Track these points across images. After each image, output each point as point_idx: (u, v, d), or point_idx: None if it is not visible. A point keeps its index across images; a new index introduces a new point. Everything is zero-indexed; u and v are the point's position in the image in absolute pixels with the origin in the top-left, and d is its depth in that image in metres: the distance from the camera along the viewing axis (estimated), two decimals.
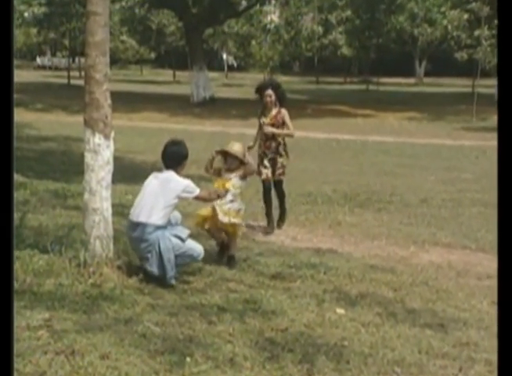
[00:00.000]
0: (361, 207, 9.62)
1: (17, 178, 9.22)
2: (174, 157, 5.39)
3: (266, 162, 7.71)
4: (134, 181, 10.23)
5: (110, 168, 5.28)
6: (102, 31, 5.16)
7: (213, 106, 29.60)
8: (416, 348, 4.33)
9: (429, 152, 17.66)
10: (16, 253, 5.30)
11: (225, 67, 58.01)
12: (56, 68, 56.09)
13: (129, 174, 10.89)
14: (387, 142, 20.27)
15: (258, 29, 49.30)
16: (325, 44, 50.46)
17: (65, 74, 43.25)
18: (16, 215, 6.79)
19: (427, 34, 45.74)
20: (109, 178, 5.28)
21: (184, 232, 5.36)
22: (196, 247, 5.36)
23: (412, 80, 49.59)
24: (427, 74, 51.55)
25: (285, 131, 7.61)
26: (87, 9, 5.21)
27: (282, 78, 41.31)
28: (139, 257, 5.32)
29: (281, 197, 7.98)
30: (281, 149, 7.75)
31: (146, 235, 5.17)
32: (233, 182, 6.03)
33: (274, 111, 7.55)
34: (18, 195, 8.18)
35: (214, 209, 5.84)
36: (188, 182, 5.37)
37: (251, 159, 6.26)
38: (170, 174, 5.35)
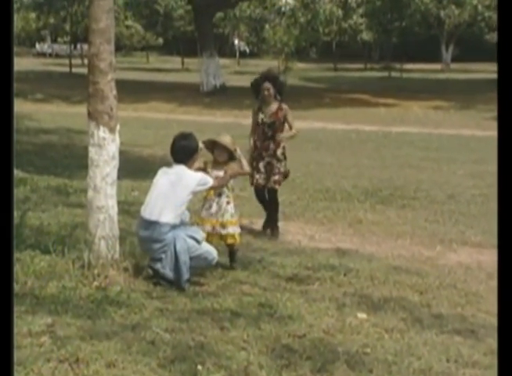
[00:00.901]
0: (383, 203, 9.59)
1: (17, 173, 9.28)
2: (184, 151, 5.41)
3: (261, 166, 7.30)
4: (141, 176, 10.28)
5: (116, 163, 5.31)
6: (107, 17, 5.18)
7: (224, 96, 29.60)
8: (444, 357, 4.31)
9: (457, 144, 17.56)
10: (16, 254, 5.35)
11: (237, 54, 58.00)
12: (57, 55, 56.36)
13: (135, 169, 10.93)
14: (411, 133, 20.18)
15: (272, 12, 49.22)
16: (344, 28, 50.29)
17: (66, 61, 43.46)
18: (15, 214, 6.86)
19: (454, 15, 45.43)
20: (114, 174, 5.30)
21: (199, 233, 5.39)
22: (212, 250, 5.40)
23: (438, 66, 49.29)
24: (454, 59, 51.18)
25: (291, 132, 7.36)
26: None
27: (298, 65, 41.35)
28: (151, 258, 5.34)
29: (273, 207, 7.47)
30: (279, 152, 7.34)
31: (162, 235, 5.20)
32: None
33: (274, 106, 7.20)
34: (18, 192, 8.24)
35: (213, 227, 5.82)
36: (201, 175, 5.43)
37: (242, 157, 6.03)
38: (181, 169, 5.37)
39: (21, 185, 8.71)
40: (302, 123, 21.84)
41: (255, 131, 7.32)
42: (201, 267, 5.49)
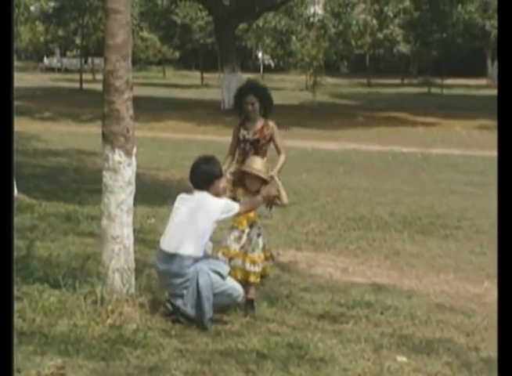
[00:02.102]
0: (423, 233, 9.55)
1: (23, 199, 9.43)
2: (204, 176, 5.44)
3: (240, 193, 6.66)
4: (157, 202, 10.37)
5: (132, 189, 5.37)
6: (123, 32, 5.27)
7: None
8: None
9: None
10: (23, 288, 5.43)
11: (261, 68, 58.40)
12: (66, 70, 57.21)
13: (151, 194, 11.03)
14: (453, 155, 20.11)
15: (300, 23, 49.54)
16: (379, 39, 50.46)
17: (76, 76, 44.10)
18: (22, 243, 6.98)
19: None
20: (130, 200, 5.36)
21: (224, 267, 5.40)
22: (237, 287, 5.40)
23: (483, 81, 49.17)
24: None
25: (280, 160, 6.70)
26: (106, 7, 5.33)
27: (327, 80, 41.41)
28: (170, 294, 5.36)
29: None
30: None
31: (183, 269, 5.22)
32: (259, 210, 5.84)
33: (259, 123, 6.71)
34: (25, 219, 8.36)
35: (243, 260, 5.75)
36: (225, 201, 5.43)
37: (281, 187, 5.82)
38: (203, 196, 5.39)
39: (28, 212, 8.83)
40: (333, 144, 22.00)
41: (234, 152, 6.81)
42: (225, 304, 5.49)
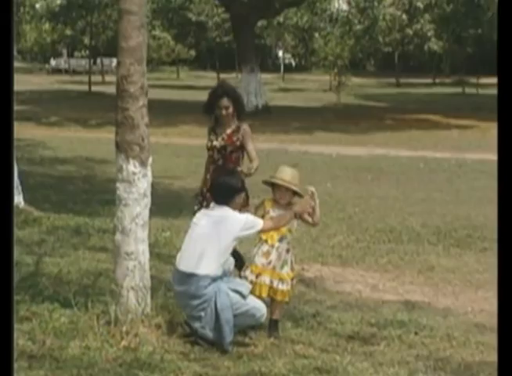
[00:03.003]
0: (459, 246, 9.50)
1: (31, 211, 9.50)
2: (224, 190, 5.48)
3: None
4: (172, 214, 10.41)
5: (147, 201, 5.40)
6: (138, 34, 5.31)
7: (267, 117, 29.83)
8: None
9: None
10: (32, 307, 5.47)
11: (282, 68, 58.51)
12: (74, 72, 57.70)
13: (166, 204, 11.06)
14: (490, 161, 19.93)
15: (323, 19, 49.64)
16: (408, 35, 50.37)
17: (85, 78, 44.47)
18: (30, 259, 7.05)
19: None
20: (145, 214, 5.39)
21: (245, 286, 5.41)
22: (260, 306, 5.40)
23: None
24: None
25: (252, 165, 6.41)
26: (119, 7, 5.38)
27: (353, 80, 41.42)
28: (188, 315, 5.38)
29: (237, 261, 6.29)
30: None
31: (200, 289, 5.24)
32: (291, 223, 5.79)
33: (229, 129, 6.57)
34: (32, 233, 8.43)
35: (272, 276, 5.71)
36: (246, 217, 5.43)
37: (317, 203, 5.78)
38: (224, 211, 5.42)
39: (36, 225, 8.91)
40: (360, 149, 21.95)
41: (208, 158, 6.68)
42: (247, 326, 5.50)
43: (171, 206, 11.04)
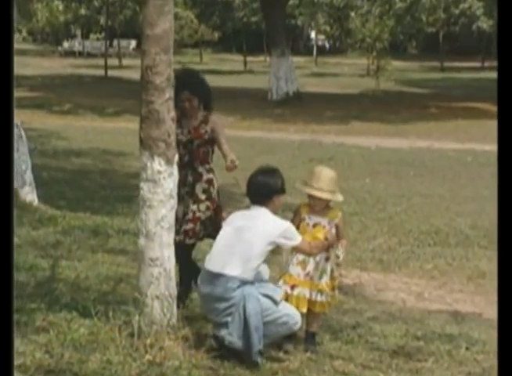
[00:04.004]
0: None
1: (45, 210, 9.58)
2: (262, 190, 5.47)
3: (179, 210, 5.94)
4: None
5: (174, 203, 5.39)
6: (165, 21, 5.29)
7: (299, 105, 29.80)
8: None
9: None
10: (49, 317, 5.51)
11: (314, 50, 58.33)
12: (89, 55, 57.90)
13: None
14: None
15: None
16: (454, 14, 49.96)
17: (100, 62, 44.63)
18: (46, 263, 7.11)
19: None
20: (171, 217, 5.39)
21: (277, 291, 5.40)
22: (293, 313, 5.39)
23: None
24: None
25: (233, 157, 6.05)
26: None
27: (393, 64, 41.17)
28: (214, 323, 5.39)
29: (182, 270, 6.31)
30: (200, 188, 6.25)
31: (228, 292, 5.23)
32: (327, 230, 5.72)
33: (196, 121, 6.34)
34: (47, 234, 8.49)
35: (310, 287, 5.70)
36: (288, 225, 5.43)
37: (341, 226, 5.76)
38: (262, 212, 5.43)
39: (51, 225, 8.97)
40: (401, 141, 21.88)
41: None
42: (279, 335, 5.49)
43: None
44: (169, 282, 5.40)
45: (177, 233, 5.89)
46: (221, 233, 5.51)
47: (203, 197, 6.25)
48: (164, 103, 5.33)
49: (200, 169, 6.29)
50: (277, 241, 5.36)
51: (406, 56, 57.35)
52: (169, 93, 5.34)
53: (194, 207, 6.20)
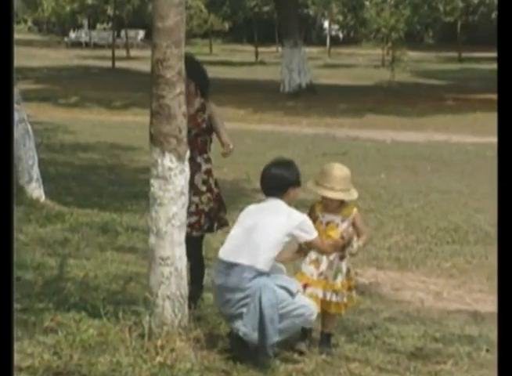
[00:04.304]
0: None
1: (52, 206, 9.62)
2: (276, 182, 5.47)
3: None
4: None
5: (185, 200, 5.40)
6: (176, 13, 5.30)
7: (312, 98, 29.78)
8: None
9: None
10: (58, 317, 5.53)
11: (328, 40, 58.23)
12: (96, 45, 58.01)
13: None
14: None
15: None
16: (473, 3, 49.74)
17: (108, 53, 44.70)
18: (54, 262, 7.14)
19: None
20: (183, 214, 5.39)
21: (293, 283, 5.38)
22: (309, 304, 5.37)
23: None
24: None
25: (230, 145, 6.12)
26: None
27: (409, 55, 41.07)
28: (228, 314, 5.36)
29: (192, 264, 6.20)
30: (200, 179, 6.21)
31: (244, 282, 5.22)
32: (342, 228, 5.69)
33: (192, 108, 6.18)
34: (55, 231, 8.53)
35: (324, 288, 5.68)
36: (305, 218, 5.43)
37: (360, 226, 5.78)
38: (277, 203, 5.44)
39: (58, 222, 8.99)
40: (417, 134, 21.84)
41: None
42: (295, 328, 5.45)
43: None
44: (180, 281, 5.41)
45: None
46: (237, 223, 5.51)
47: (203, 188, 6.22)
48: (175, 98, 5.33)
49: (199, 159, 6.22)
50: (294, 233, 5.34)
51: (423, 46, 57.20)
52: (180, 88, 5.34)
53: (196, 199, 6.14)
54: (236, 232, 5.46)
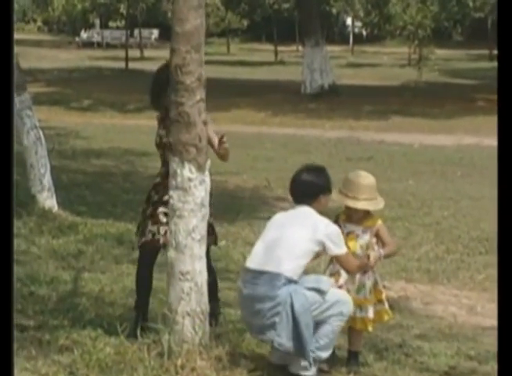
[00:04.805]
0: None
1: (65, 217, 9.65)
2: (306, 189, 5.48)
3: (161, 211, 6.14)
4: (227, 218, 10.44)
5: (205, 212, 5.41)
6: (195, 16, 5.29)
7: (335, 99, 29.75)
8: None
9: None
10: (73, 335, 5.55)
11: (351, 38, 58.22)
12: (108, 45, 58.26)
13: (220, 207, 11.04)
14: None
15: None
16: None
17: (121, 53, 44.91)
18: (68, 276, 7.17)
19: None
20: (203, 227, 5.40)
21: (322, 281, 5.36)
22: (344, 299, 5.34)
23: None
24: None
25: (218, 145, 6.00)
26: None
27: (437, 53, 41.03)
28: (258, 325, 5.30)
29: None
30: None
31: (274, 290, 5.21)
32: (363, 240, 5.69)
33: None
34: (68, 243, 8.56)
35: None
36: (337, 229, 5.42)
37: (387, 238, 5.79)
38: (307, 210, 5.45)
39: (72, 233, 9.03)
40: (446, 138, 21.76)
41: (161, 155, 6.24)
42: (333, 330, 5.34)
43: (226, 209, 11.04)
44: (201, 297, 5.41)
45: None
46: (265, 231, 5.52)
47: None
48: (195, 105, 5.34)
49: None
50: (324, 242, 5.31)
51: (451, 43, 57.01)
52: (200, 94, 5.35)
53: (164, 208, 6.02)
54: (263, 240, 5.46)
